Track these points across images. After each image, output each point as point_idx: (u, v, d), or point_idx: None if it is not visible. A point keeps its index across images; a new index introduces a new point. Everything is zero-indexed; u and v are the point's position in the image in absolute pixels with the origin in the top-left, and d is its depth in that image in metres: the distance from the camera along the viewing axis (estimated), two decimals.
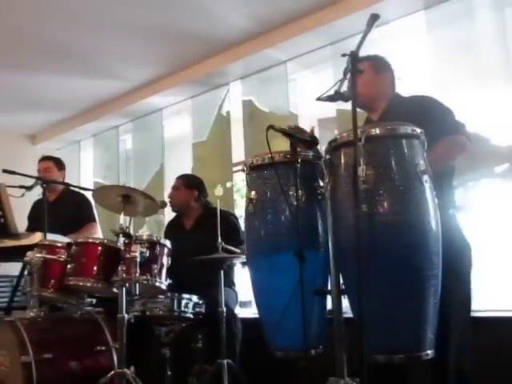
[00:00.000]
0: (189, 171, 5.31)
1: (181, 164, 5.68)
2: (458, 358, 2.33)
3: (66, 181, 4.73)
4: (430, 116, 2.28)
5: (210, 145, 5.53)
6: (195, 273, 3.51)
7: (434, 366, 2.30)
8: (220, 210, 3.34)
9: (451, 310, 2.04)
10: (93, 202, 4.33)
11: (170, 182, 5.66)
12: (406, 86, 3.98)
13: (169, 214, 4.82)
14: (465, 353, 2.36)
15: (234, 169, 5.19)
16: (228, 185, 5.21)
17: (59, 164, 4.76)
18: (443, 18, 3.85)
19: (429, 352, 1.92)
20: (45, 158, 4.77)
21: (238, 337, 3.52)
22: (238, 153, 5.17)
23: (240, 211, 4.65)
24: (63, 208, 4.44)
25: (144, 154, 6.21)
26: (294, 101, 4.86)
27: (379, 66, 2.73)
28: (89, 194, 4.20)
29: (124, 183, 6.18)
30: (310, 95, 4.79)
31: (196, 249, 3.35)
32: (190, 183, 4.10)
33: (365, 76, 2.48)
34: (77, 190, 4.54)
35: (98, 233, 4.61)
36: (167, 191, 5.59)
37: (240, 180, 5.16)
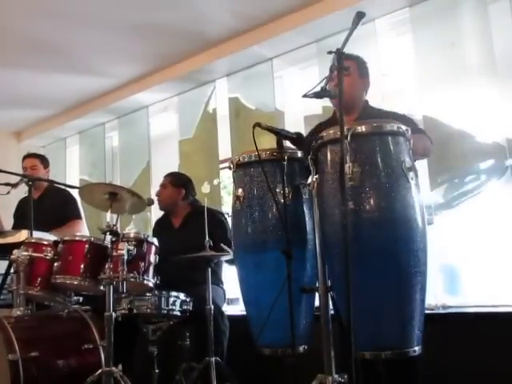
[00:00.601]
0: (175, 168, 5.30)
1: (167, 161, 5.66)
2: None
3: (52, 178, 4.70)
4: None
5: (197, 142, 5.52)
6: (183, 271, 3.51)
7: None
8: (208, 208, 3.34)
9: None
10: (78, 199, 4.32)
11: (156, 179, 5.66)
12: (391, 82, 4.02)
13: (156, 212, 4.81)
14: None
15: (221, 166, 5.19)
16: (215, 182, 5.20)
17: (44, 161, 4.73)
18: (427, 16, 3.87)
19: (416, 348, 1.94)
20: (30, 156, 4.73)
21: (226, 334, 3.51)
22: (225, 150, 5.17)
23: (227, 208, 4.65)
24: (47, 205, 4.41)
25: (130, 151, 6.19)
26: (280, 98, 4.87)
27: (363, 69, 2.79)
28: (75, 192, 4.18)
29: (110, 181, 6.16)
30: (296, 92, 4.81)
31: (184, 247, 3.35)
32: (177, 181, 4.09)
33: (350, 77, 2.52)
34: (61, 187, 4.51)
35: (82, 230, 4.56)
36: (154, 189, 5.58)
37: (227, 177, 5.16)
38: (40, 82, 5.46)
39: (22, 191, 4.07)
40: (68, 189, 4.48)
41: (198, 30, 4.55)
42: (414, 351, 1.93)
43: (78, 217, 4.56)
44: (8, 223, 4.31)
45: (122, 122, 6.31)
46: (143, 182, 5.89)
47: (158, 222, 4.30)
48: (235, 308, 4.28)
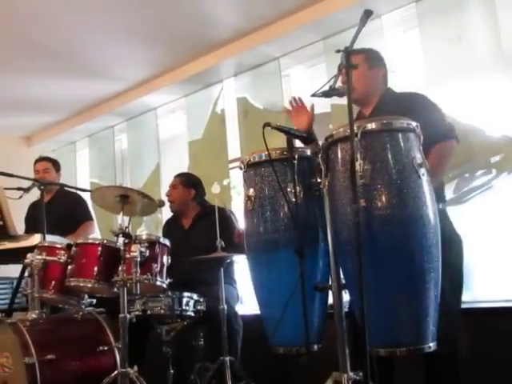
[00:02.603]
0: (185, 169, 5.31)
1: (177, 163, 5.69)
2: (451, 349, 2.36)
3: (63, 182, 4.74)
4: (421, 116, 2.27)
5: (206, 143, 5.54)
6: (195, 271, 3.53)
7: (427, 358, 2.33)
8: (220, 208, 3.35)
9: (442, 301, 2.06)
10: (89, 202, 4.35)
11: (166, 180, 5.67)
12: (399, 78, 4.01)
13: (166, 213, 4.83)
14: (458, 344, 2.39)
15: (230, 166, 5.20)
16: (225, 182, 5.21)
17: (56, 165, 4.77)
18: (434, 10, 3.86)
19: (431, 344, 1.94)
20: (42, 159, 4.78)
21: (240, 334, 3.52)
22: (234, 150, 5.18)
23: (237, 208, 4.65)
24: (57, 208, 4.45)
25: (140, 153, 6.22)
26: (289, 96, 4.85)
27: (373, 60, 2.75)
28: (86, 195, 4.21)
29: (121, 183, 6.19)
30: (303, 90, 4.80)
31: (194, 248, 3.36)
32: (187, 182, 4.10)
33: (359, 70, 2.50)
34: (71, 189, 4.54)
35: (95, 231, 4.61)
36: (164, 190, 5.59)
37: (236, 177, 5.17)
38: (49, 86, 5.50)
39: (33, 195, 4.10)
40: (78, 192, 4.51)
41: (204, 31, 4.56)
42: (429, 347, 1.93)
43: (90, 218, 4.61)
44: (20, 228, 4.33)
45: (130, 124, 6.34)
46: (153, 183, 5.92)
47: (168, 222, 4.32)
48: (248, 307, 4.28)
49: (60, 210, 4.45)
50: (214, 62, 4.99)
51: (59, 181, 4.70)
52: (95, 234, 4.55)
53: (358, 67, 2.52)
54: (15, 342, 2.94)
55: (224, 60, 4.92)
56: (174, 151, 5.92)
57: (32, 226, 4.38)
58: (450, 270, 2.30)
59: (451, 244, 2.41)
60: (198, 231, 3.89)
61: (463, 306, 3.28)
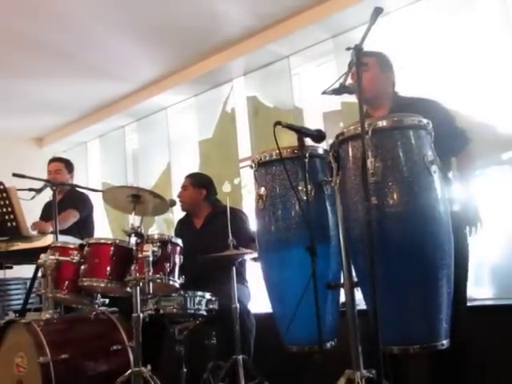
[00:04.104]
0: (196, 169, 5.33)
1: (187, 162, 5.71)
2: (460, 346, 2.34)
3: (75, 182, 4.76)
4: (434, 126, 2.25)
5: (216, 142, 5.55)
6: (207, 270, 3.53)
7: (433, 356, 2.33)
8: (232, 208, 3.35)
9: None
10: (101, 202, 4.36)
11: (177, 180, 5.70)
12: (407, 76, 4.00)
13: (178, 213, 4.85)
14: (463, 340, 2.38)
15: (241, 165, 5.21)
16: (235, 181, 5.22)
17: (69, 166, 4.79)
18: (445, 6, 3.84)
19: (444, 342, 1.93)
20: (55, 160, 4.80)
21: (252, 332, 3.52)
22: (244, 149, 5.18)
23: (248, 207, 4.65)
24: (66, 207, 4.47)
25: (150, 153, 6.24)
26: (299, 95, 4.87)
27: (385, 64, 2.75)
28: (98, 195, 4.22)
29: (132, 183, 6.21)
30: (314, 89, 4.81)
31: (206, 248, 3.36)
32: (197, 182, 4.09)
33: (371, 72, 2.51)
34: (80, 189, 4.56)
35: (72, 221, 4.46)
36: (175, 190, 5.63)
37: (246, 176, 5.17)
38: (59, 87, 5.54)
39: (47, 194, 4.12)
40: (89, 192, 4.53)
41: (213, 31, 4.57)
42: (442, 345, 1.93)
43: (75, 208, 4.51)
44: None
45: (141, 124, 6.37)
46: (164, 183, 5.94)
47: (180, 222, 4.31)
48: (260, 306, 4.28)
49: (66, 208, 4.47)
50: (223, 61, 5.00)
51: (72, 182, 4.73)
52: (69, 223, 4.41)
53: (371, 69, 2.53)
54: (30, 341, 2.96)
55: (234, 59, 4.93)
56: (184, 151, 5.93)
57: None
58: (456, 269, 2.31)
59: (456, 242, 2.41)
60: (209, 231, 3.89)
61: (476, 303, 3.29)
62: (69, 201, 4.59)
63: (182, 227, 4.22)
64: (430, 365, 2.45)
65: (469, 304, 2.56)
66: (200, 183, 4.09)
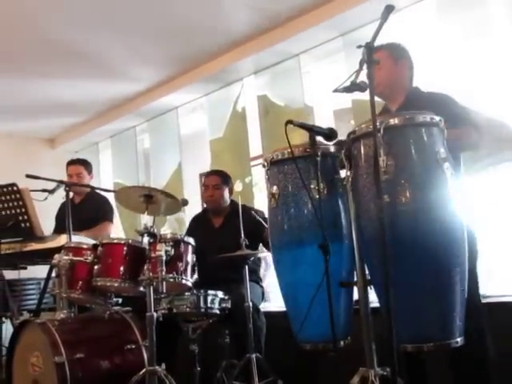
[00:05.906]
0: (207, 168, 5.33)
1: (199, 161, 5.72)
2: (479, 346, 2.34)
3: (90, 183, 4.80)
4: (446, 113, 2.23)
5: (227, 141, 5.56)
6: (221, 269, 3.53)
7: (454, 355, 2.33)
8: (246, 207, 3.33)
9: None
10: (114, 202, 4.39)
11: (188, 179, 5.72)
12: (420, 73, 3.98)
13: (189, 212, 4.86)
14: (486, 340, 2.37)
15: (252, 163, 5.21)
16: (247, 180, 5.23)
17: (88, 167, 4.81)
18: (456, 2, 3.82)
19: (458, 339, 1.93)
20: (74, 162, 4.80)
21: (263, 330, 3.52)
22: (255, 147, 5.19)
23: (259, 205, 4.65)
24: (87, 209, 4.53)
25: (162, 152, 6.26)
26: (309, 93, 4.86)
27: (397, 53, 2.73)
28: (111, 195, 4.25)
29: (143, 183, 6.24)
30: (324, 87, 4.80)
31: (223, 247, 3.36)
32: (225, 180, 4.00)
33: (385, 65, 2.49)
34: (100, 191, 4.59)
35: (110, 233, 4.58)
36: (186, 189, 5.65)
37: (257, 174, 5.18)
38: (71, 88, 5.55)
39: (61, 196, 4.14)
40: (104, 193, 4.56)
41: (223, 30, 4.57)
42: (457, 342, 1.92)
43: (109, 220, 4.62)
44: (48, 228, 4.39)
45: (152, 124, 6.38)
46: (175, 182, 5.95)
47: (195, 219, 4.25)
48: (274, 304, 4.29)
49: (88, 211, 4.51)
50: (233, 61, 5.00)
51: (92, 181, 4.76)
52: (112, 235, 4.52)
53: (383, 66, 2.50)
54: (45, 341, 2.98)
55: (243, 58, 4.92)
56: (195, 150, 5.94)
57: (62, 225, 4.43)
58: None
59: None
60: (229, 231, 3.76)
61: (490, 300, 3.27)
62: (90, 204, 4.62)
63: (199, 224, 4.14)
64: (449, 365, 2.44)
65: (484, 301, 2.54)
66: (226, 181, 4.01)
